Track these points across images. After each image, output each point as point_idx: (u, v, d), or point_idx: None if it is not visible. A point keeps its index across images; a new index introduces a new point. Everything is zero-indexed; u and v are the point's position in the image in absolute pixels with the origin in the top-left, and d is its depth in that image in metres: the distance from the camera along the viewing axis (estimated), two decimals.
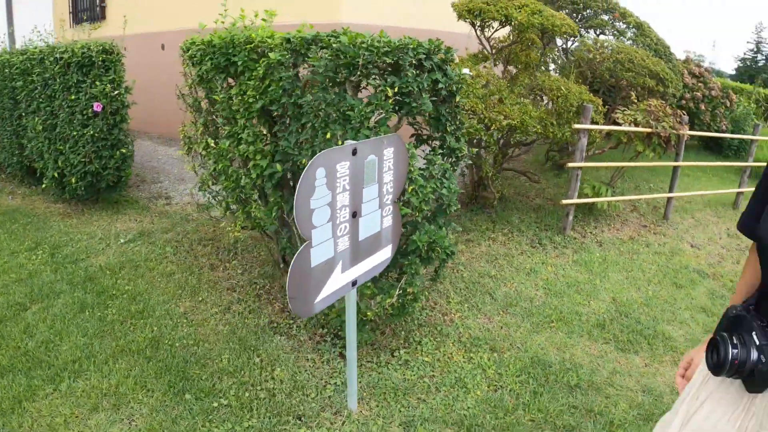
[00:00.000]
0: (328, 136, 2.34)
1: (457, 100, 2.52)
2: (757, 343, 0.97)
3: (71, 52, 3.68)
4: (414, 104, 2.26)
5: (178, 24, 6.22)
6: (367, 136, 2.20)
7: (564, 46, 5.71)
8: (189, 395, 2.39)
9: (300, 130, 2.56)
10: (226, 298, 3.16)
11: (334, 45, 2.17)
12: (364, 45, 2.09)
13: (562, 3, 5.28)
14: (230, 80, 2.90)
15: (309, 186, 1.71)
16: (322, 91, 2.32)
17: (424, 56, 2.23)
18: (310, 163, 1.68)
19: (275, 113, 2.64)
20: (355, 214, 1.99)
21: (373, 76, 2.21)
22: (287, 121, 2.61)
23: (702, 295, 3.89)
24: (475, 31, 4.24)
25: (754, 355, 0.97)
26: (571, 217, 4.78)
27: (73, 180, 3.78)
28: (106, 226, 3.88)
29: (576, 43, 4.98)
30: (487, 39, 4.29)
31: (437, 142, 2.70)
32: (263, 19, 2.98)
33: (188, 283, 3.25)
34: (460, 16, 4.09)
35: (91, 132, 3.65)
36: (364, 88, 2.28)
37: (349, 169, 1.87)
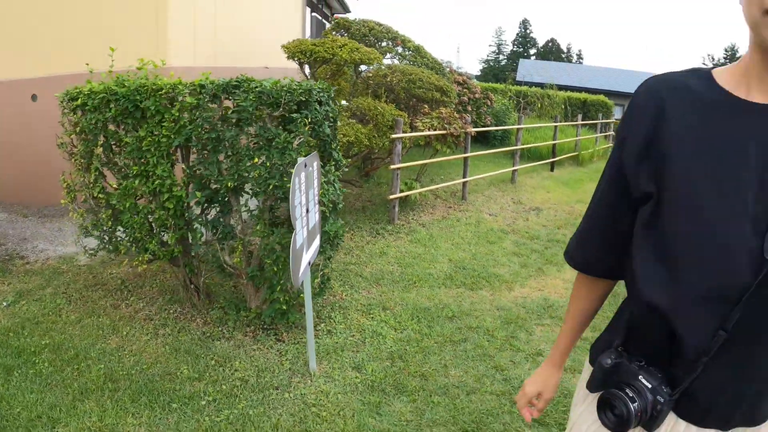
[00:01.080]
0: (256, 160, 3.35)
1: (338, 124, 3.77)
2: (649, 386, 1.02)
3: None
4: (320, 130, 3.44)
5: None
6: (293, 157, 3.29)
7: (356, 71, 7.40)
8: (175, 404, 3.00)
9: (219, 160, 3.49)
10: (148, 327, 3.78)
11: (257, 89, 3.22)
12: (285, 88, 3.20)
13: (354, 33, 6.93)
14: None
15: (294, 190, 2.77)
16: (246, 125, 3.32)
17: (322, 94, 3.43)
18: (293, 174, 2.75)
19: (193, 148, 3.51)
20: (308, 210, 3.08)
21: (289, 111, 3.31)
22: (205, 154, 3.50)
23: (510, 245, 5.90)
24: (302, 67, 5.52)
25: (650, 397, 1.01)
26: (396, 209, 6.42)
27: None
28: None
29: (370, 68, 6.65)
30: (312, 73, 5.61)
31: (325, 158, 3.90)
32: (138, 68, 3.78)
33: (103, 324, 3.76)
34: (292, 56, 5.34)
35: None
36: (281, 120, 3.36)
37: (305, 178, 2.97)
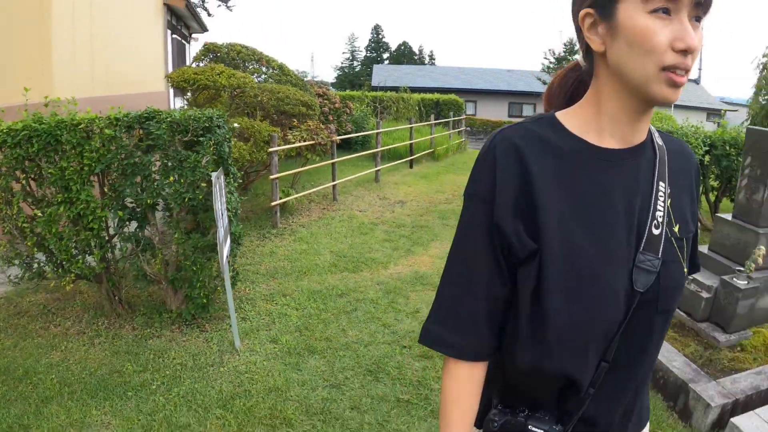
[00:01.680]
0: (171, 179, 4.17)
1: (232, 143, 4.69)
2: (546, 427, 1.03)
3: None
4: (221, 149, 4.34)
5: None
6: (203, 173, 4.16)
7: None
8: (130, 393, 3.61)
9: (137, 181, 4.24)
10: (83, 339, 4.36)
11: (168, 119, 4.05)
12: (192, 117, 4.07)
13: (223, 57, 7.74)
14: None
15: (215, 198, 3.68)
16: (160, 149, 4.13)
17: (220, 120, 4.34)
18: (213, 185, 3.65)
19: (112, 173, 4.22)
20: (222, 214, 3.99)
21: (196, 135, 4.18)
22: (124, 178, 4.23)
23: (381, 234, 7.16)
24: (184, 93, 6.29)
25: None
26: (278, 215, 7.39)
27: None
28: None
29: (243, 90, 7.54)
30: (194, 98, 6.39)
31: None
32: (45, 105, 4.39)
33: (41, 344, 4.25)
34: (176, 85, 6.10)
35: None
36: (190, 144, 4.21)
37: (219, 188, 3.88)
